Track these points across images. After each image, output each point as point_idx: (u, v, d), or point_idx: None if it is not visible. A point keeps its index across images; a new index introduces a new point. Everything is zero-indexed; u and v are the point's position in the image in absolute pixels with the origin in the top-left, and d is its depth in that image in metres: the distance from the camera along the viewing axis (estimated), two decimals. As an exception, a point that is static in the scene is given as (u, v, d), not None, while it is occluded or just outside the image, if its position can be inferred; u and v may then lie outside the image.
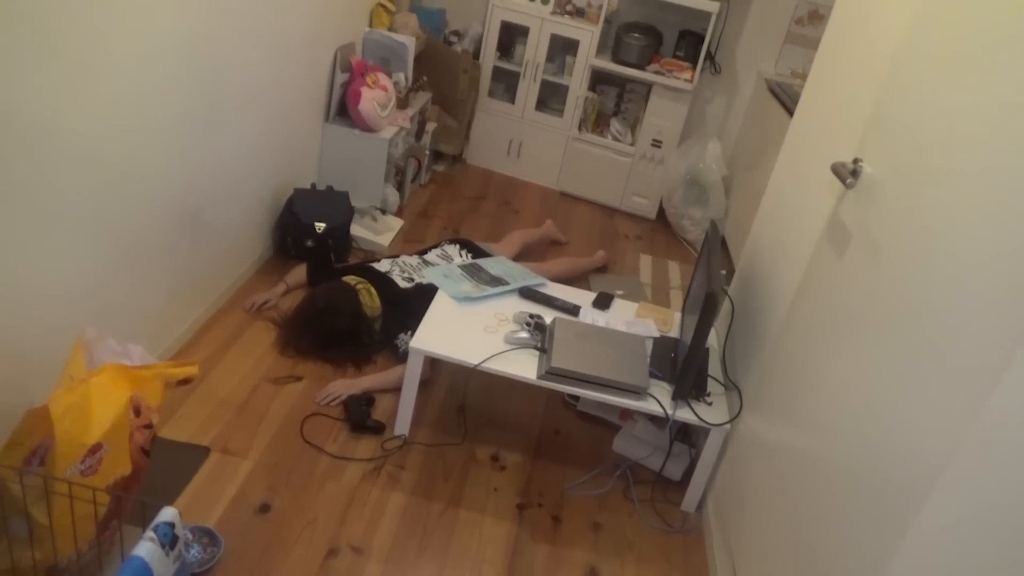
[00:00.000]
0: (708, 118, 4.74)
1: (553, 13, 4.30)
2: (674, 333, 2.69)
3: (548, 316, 2.58)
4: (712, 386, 2.43)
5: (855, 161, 1.78)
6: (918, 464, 1.27)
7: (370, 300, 2.81)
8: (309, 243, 3.14)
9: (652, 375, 2.38)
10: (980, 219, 1.24)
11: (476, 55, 4.50)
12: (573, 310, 2.67)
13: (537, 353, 2.39)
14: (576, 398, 2.81)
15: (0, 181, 1.64)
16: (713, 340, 2.72)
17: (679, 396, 2.32)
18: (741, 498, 2.14)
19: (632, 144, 4.47)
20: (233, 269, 2.96)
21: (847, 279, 1.73)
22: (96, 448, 1.55)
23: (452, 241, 3.32)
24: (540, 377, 2.28)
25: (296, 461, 2.29)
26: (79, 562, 1.62)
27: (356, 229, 3.46)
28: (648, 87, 4.34)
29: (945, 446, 1.21)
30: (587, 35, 4.28)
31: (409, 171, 3.96)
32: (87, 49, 1.80)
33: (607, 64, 4.31)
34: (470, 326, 2.45)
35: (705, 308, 2.12)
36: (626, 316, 2.73)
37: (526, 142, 4.64)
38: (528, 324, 2.47)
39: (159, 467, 2.06)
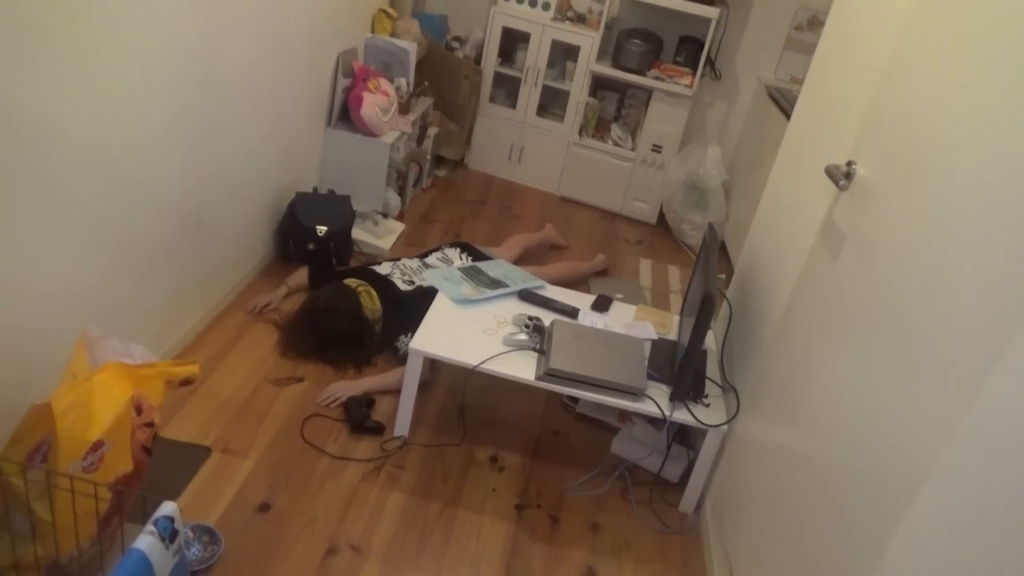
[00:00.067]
0: (708, 123, 4.77)
1: (554, 19, 4.33)
2: (673, 336, 2.71)
3: (547, 318, 2.60)
4: (710, 388, 2.45)
5: (849, 163, 1.80)
6: (908, 462, 1.28)
7: (371, 302, 2.83)
8: (310, 246, 3.17)
9: (650, 377, 2.40)
10: (971, 220, 1.26)
11: (477, 61, 4.53)
12: (572, 312, 2.69)
13: (536, 355, 2.40)
14: (575, 400, 2.83)
15: (4, 183, 1.66)
16: (712, 343, 2.74)
17: (677, 397, 2.34)
18: (738, 499, 2.15)
19: (633, 149, 4.49)
20: (235, 272, 2.99)
21: (841, 281, 1.74)
22: (98, 445, 1.57)
23: (453, 245, 3.34)
24: (538, 378, 2.30)
25: (296, 461, 2.31)
26: (81, 559, 1.64)
27: (357, 233, 3.48)
28: (648, 92, 4.37)
29: (933, 444, 1.22)
30: (588, 41, 4.31)
31: (410, 175, 3.99)
32: (90, 53, 1.83)
33: (608, 70, 4.34)
34: (469, 328, 2.47)
35: (702, 310, 2.13)
36: (625, 319, 2.75)
37: (527, 147, 4.67)
38: (527, 326, 2.49)
39: (160, 466, 2.08)
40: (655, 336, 2.66)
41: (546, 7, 4.34)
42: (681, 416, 2.30)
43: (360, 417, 2.47)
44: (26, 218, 1.76)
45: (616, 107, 4.67)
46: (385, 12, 3.87)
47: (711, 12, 4.06)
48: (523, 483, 2.44)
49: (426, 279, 2.97)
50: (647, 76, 4.28)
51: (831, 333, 1.74)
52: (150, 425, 1.75)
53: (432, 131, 4.25)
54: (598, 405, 2.74)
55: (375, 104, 3.46)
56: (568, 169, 4.63)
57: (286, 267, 3.19)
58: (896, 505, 1.30)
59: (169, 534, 1.33)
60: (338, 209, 3.28)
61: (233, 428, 2.37)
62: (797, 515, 1.70)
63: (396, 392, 2.60)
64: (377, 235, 3.57)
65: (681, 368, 2.28)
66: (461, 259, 3.25)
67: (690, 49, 4.32)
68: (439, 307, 2.56)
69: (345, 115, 3.55)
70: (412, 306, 2.81)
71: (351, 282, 2.87)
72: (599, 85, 4.57)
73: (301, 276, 3.08)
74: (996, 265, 1.17)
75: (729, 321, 2.69)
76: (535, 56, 4.41)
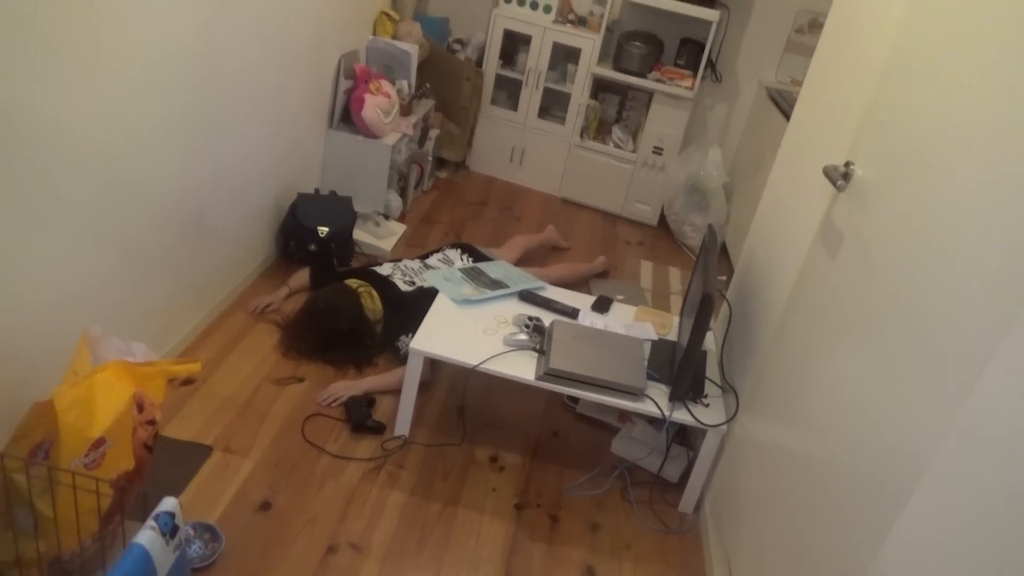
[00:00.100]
0: (709, 125, 4.78)
1: (555, 22, 4.34)
2: (673, 336, 2.71)
3: (547, 319, 2.61)
4: (710, 388, 2.45)
5: (847, 164, 1.81)
6: (906, 461, 1.29)
7: (371, 303, 2.84)
8: (312, 247, 3.18)
9: (650, 377, 2.40)
10: (969, 220, 1.27)
11: (479, 63, 4.55)
12: (572, 313, 2.70)
13: (536, 355, 2.41)
14: (575, 400, 2.84)
15: (5, 184, 1.68)
16: (712, 343, 2.75)
17: (676, 397, 2.35)
18: (737, 499, 2.16)
19: (634, 151, 4.51)
20: (236, 272, 3.00)
21: (839, 281, 1.75)
22: (100, 442, 1.58)
23: (454, 246, 3.35)
24: (538, 378, 2.31)
25: (297, 460, 2.32)
26: (83, 555, 1.65)
27: (359, 234, 3.50)
28: (649, 95, 4.38)
29: (930, 443, 1.23)
30: (589, 43, 4.32)
31: (412, 177, 4.00)
32: (91, 54, 1.84)
33: (608, 72, 4.35)
34: (470, 328, 2.48)
35: (701, 310, 2.14)
36: (625, 319, 2.76)
37: (528, 149, 4.68)
38: (527, 326, 2.50)
39: (162, 465, 2.09)
40: (655, 337, 2.67)
41: (547, 10, 4.35)
42: (680, 416, 2.31)
43: (361, 417, 2.48)
44: (27, 219, 1.77)
45: (617, 109, 4.68)
46: (387, 14, 3.89)
47: (711, 15, 4.08)
48: (523, 483, 2.45)
49: (427, 280, 2.99)
50: (648, 78, 4.29)
51: (829, 333, 1.75)
52: (151, 423, 1.76)
53: (433, 133, 4.27)
54: (598, 405, 2.75)
55: (376, 106, 3.47)
56: (569, 171, 4.65)
57: (287, 268, 3.20)
58: (893, 504, 1.30)
59: (170, 529, 1.34)
60: (339, 210, 3.30)
61: (234, 427, 2.38)
62: (796, 515, 1.71)
63: (397, 392, 2.61)
64: (378, 236, 3.58)
65: (680, 368, 2.29)
66: (462, 260, 3.26)
67: (691, 51, 4.34)
68: (440, 307, 2.57)
69: (347, 117, 3.57)
70: (413, 307, 2.82)
71: (352, 283, 2.89)
72: (600, 87, 4.59)
73: (302, 277, 3.09)
74: (993, 264, 1.17)
75: (729, 322, 2.70)
76: (536, 58, 4.42)
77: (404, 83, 3.77)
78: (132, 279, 2.26)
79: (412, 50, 3.80)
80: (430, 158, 4.29)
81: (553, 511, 2.37)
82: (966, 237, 1.26)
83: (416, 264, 3.15)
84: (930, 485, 1.23)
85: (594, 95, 4.54)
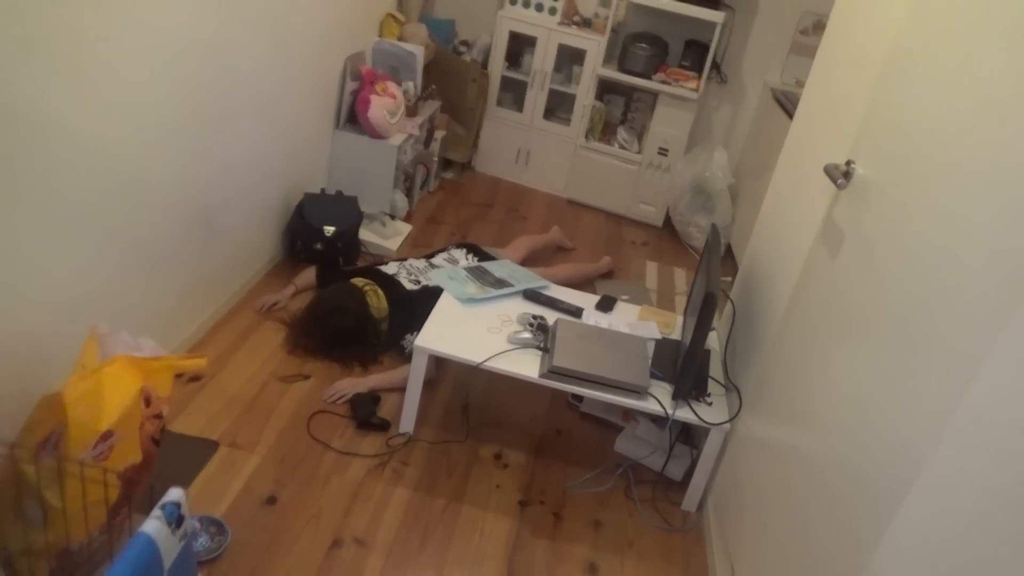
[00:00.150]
0: (714, 127, 4.79)
1: (560, 23, 4.36)
2: (677, 335, 2.73)
3: (551, 318, 2.62)
4: (713, 388, 2.47)
5: (848, 163, 1.82)
6: (907, 459, 1.30)
7: (377, 301, 2.86)
8: (318, 246, 3.21)
9: (653, 375, 2.42)
10: (969, 218, 1.27)
11: (485, 64, 4.57)
12: (576, 312, 2.71)
13: (540, 353, 2.43)
14: (579, 399, 2.85)
15: (16, 184, 1.70)
16: (716, 343, 2.76)
17: (679, 396, 2.36)
18: (740, 497, 2.17)
19: (639, 152, 4.52)
20: (244, 271, 3.03)
21: (840, 279, 1.76)
22: (107, 435, 1.61)
23: (459, 246, 3.37)
24: (542, 376, 2.33)
25: (303, 456, 2.34)
26: (90, 546, 1.67)
27: (365, 233, 3.52)
28: (654, 96, 4.40)
29: (931, 441, 1.24)
30: (594, 45, 4.34)
31: (418, 177, 4.02)
32: (101, 57, 1.87)
33: (614, 73, 4.37)
34: (474, 326, 2.50)
35: (703, 308, 2.16)
36: (629, 319, 2.77)
37: (534, 150, 4.70)
38: (531, 325, 2.51)
39: (169, 459, 2.11)
40: (659, 336, 2.68)
41: (552, 11, 4.37)
42: (683, 414, 2.32)
43: (366, 414, 2.51)
44: (37, 217, 1.80)
45: (622, 110, 4.70)
46: (393, 16, 3.91)
47: (716, 16, 4.09)
48: (527, 480, 2.46)
49: (432, 279, 3.01)
50: (653, 80, 4.30)
51: (830, 331, 1.76)
52: (159, 417, 1.78)
53: (439, 134, 4.29)
54: (602, 404, 2.76)
55: (382, 107, 3.50)
56: (574, 172, 4.66)
57: (294, 267, 3.22)
58: (891, 502, 1.31)
59: (175, 519, 1.36)
60: (345, 210, 3.32)
61: (241, 423, 2.40)
62: (798, 513, 1.71)
63: (401, 390, 2.63)
64: (384, 236, 3.60)
65: (683, 366, 2.30)
66: (467, 260, 3.28)
67: (696, 53, 4.35)
68: (444, 306, 2.59)
69: (353, 117, 3.59)
70: (418, 305, 2.84)
71: (358, 281, 2.91)
72: (605, 89, 4.61)
73: (309, 275, 3.12)
74: (993, 262, 1.18)
75: (732, 321, 2.71)
76: (542, 60, 4.45)
77: (410, 84, 3.80)
78: (140, 277, 2.29)
79: (418, 52, 3.83)
80: (436, 159, 4.31)
81: (557, 508, 2.38)
82: (966, 235, 1.27)
83: (421, 263, 3.17)
84: (927, 483, 1.24)
85: (599, 96, 4.55)
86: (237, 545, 2.00)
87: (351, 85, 3.54)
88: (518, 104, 4.64)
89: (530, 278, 2.88)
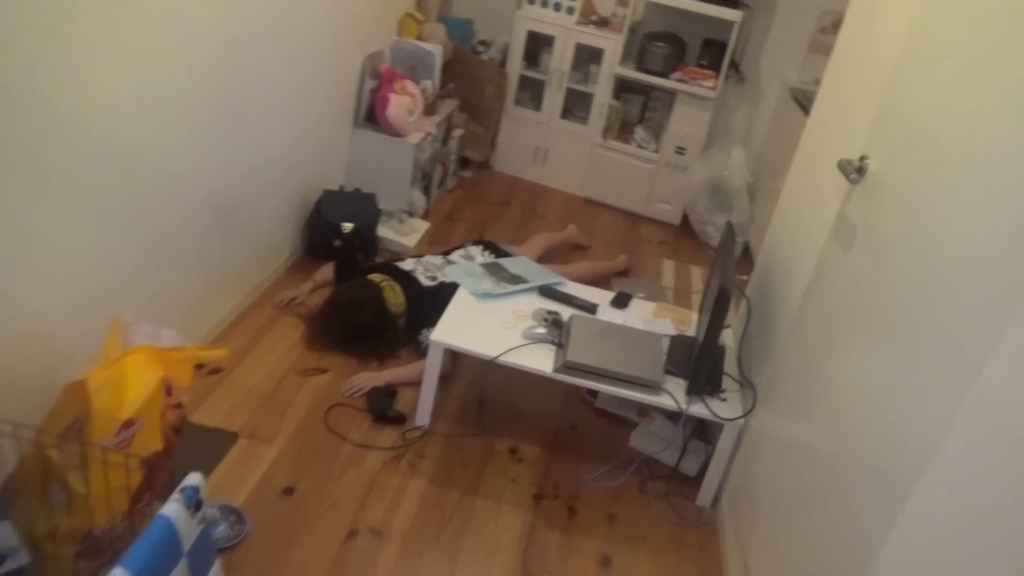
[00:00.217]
0: (732, 126, 4.78)
1: (578, 23, 4.38)
2: (692, 332, 2.73)
3: (566, 313, 2.64)
4: (728, 384, 2.47)
5: (861, 158, 1.83)
6: (913, 452, 1.30)
7: (394, 297, 2.90)
8: (336, 243, 3.25)
9: (667, 371, 2.42)
10: (981, 212, 1.27)
11: (502, 64, 4.59)
12: (591, 308, 2.73)
13: (554, 348, 2.45)
14: (594, 395, 2.86)
15: (46, 180, 1.75)
16: (731, 340, 2.76)
17: (693, 391, 2.37)
18: (753, 492, 2.18)
19: (656, 151, 4.53)
20: (264, 267, 3.07)
21: (853, 274, 1.77)
22: (129, 423, 1.64)
23: (476, 243, 3.39)
24: (556, 370, 2.34)
25: (320, 448, 2.37)
26: (113, 531, 1.71)
27: (383, 230, 3.56)
28: (672, 95, 4.40)
29: (937, 433, 1.24)
30: (611, 44, 4.35)
31: (435, 175, 4.06)
32: (130, 60, 1.91)
33: (631, 72, 4.37)
34: (489, 322, 2.52)
35: (717, 302, 2.17)
36: (644, 315, 2.78)
37: (551, 149, 4.72)
38: (546, 320, 2.53)
39: (190, 450, 2.15)
40: (673, 332, 2.69)
41: (570, 11, 4.39)
42: (697, 410, 2.33)
43: (382, 407, 2.54)
44: (67, 213, 1.84)
45: (640, 109, 4.70)
46: (411, 16, 3.95)
47: (734, 15, 4.09)
48: (541, 474, 2.48)
49: (448, 275, 3.03)
50: (671, 79, 4.31)
51: (843, 326, 1.76)
52: (179, 406, 1.82)
53: (457, 132, 4.32)
54: (617, 400, 2.78)
55: (401, 105, 3.53)
56: (592, 171, 4.68)
57: (313, 263, 3.26)
58: (901, 495, 1.32)
59: (194, 503, 1.39)
60: (363, 207, 3.36)
61: (260, 415, 2.44)
62: (811, 508, 1.72)
63: (418, 384, 2.65)
64: (402, 233, 3.64)
65: (697, 361, 2.31)
66: (483, 256, 3.30)
67: (714, 52, 4.35)
68: (460, 301, 2.62)
69: (371, 116, 3.63)
70: (434, 301, 2.86)
71: (375, 277, 2.94)
72: (623, 88, 4.61)
73: (327, 271, 3.16)
74: (1006, 256, 1.18)
75: (748, 318, 2.71)
76: (559, 59, 4.46)
77: (428, 83, 3.83)
78: (163, 271, 2.33)
79: (436, 51, 3.86)
80: (453, 157, 4.34)
81: (571, 502, 2.40)
82: (978, 230, 1.27)
83: (438, 260, 3.20)
84: (936, 475, 1.24)
85: (617, 95, 4.56)
86: (256, 534, 2.04)
87: (370, 84, 3.58)
88: (536, 103, 4.66)
89: (545, 275, 2.90)
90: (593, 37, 4.37)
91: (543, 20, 4.41)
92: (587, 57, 4.53)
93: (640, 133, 4.56)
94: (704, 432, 2.72)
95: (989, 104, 1.33)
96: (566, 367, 2.33)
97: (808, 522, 1.71)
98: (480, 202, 4.40)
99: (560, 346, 2.44)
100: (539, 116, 4.65)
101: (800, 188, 2.51)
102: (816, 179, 2.32)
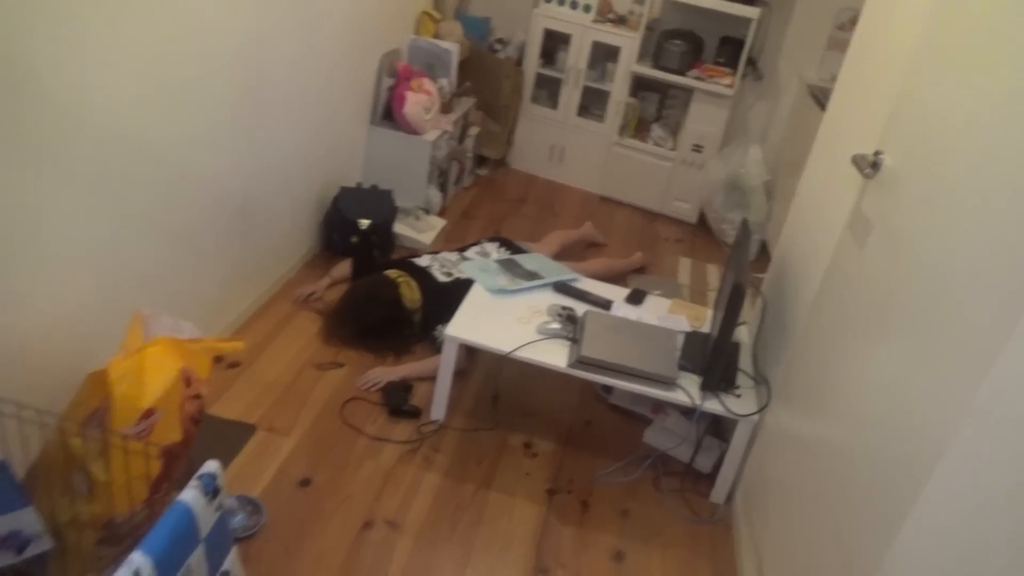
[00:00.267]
0: (750, 123, 4.77)
1: (595, 21, 4.39)
2: (707, 329, 2.73)
3: (581, 310, 2.65)
4: (743, 380, 2.47)
5: (876, 153, 1.82)
6: (927, 444, 1.30)
7: (410, 293, 2.92)
8: (353, 239, 3.27)
9: (682, 368, 2.43)
10: (994, 207, 1.27)
11: (519, 62, 4.61)
12: (605, 304, 2.73)
13: (568, 343, 2.46)
14: (608, 391, 2.87)
15: (69, 175, 1.79)
16: (746, 337, 2.76)
17: (708, 387, 2.37)
18: (767, 488, 2.18)
19: (673, 149, 4.52)
20: (282, 263, 3.11)
21: (867, 269, 1.76)
22: (149, 413, 1.67)
23: (492, 239, 3.41)
24: (570, 365, 2.35)
25: (336, 441, 2.40)
26: (133, 520, 1.74)
27: (400, 227, 3.58)
28: (689, 93, 4.39)
29: (951, 425, 1.24)
30: (628, 42, 4.35)
31: (452, 173, 4.08)
32: (151, 57, 1.95)
33: (648, 70, 4.37)
34: (504, 317, 2.54)
35: (732, 298, 2.17)
36: (659, 312, 2.78)
37: (568, 147, 4.73)
38: (560, 316, 2.55)
39: (208, 441, 2.18)
40: (688, 329, 2.69)
41: (587, 9, 4.40)
42: (711, 406, 2.33)
43: (398, 401, 2.56)
44: (91, 208, 1.88)
45: (657, 107, 4.70)
46: (428, 14, 3.97)
47: (752, 12, 4.08)
48: (555, 469, 2.50)
49: (463, 271, 3.05)
50: (687, 76, 4.30)
51: (858, 322, 1.76)
52: (198, 397, 1.85)
53: (473, 130, 4.34)
54: (632, 396, 2.78)
55: (418, 103, 3.56)
56: (608, 169, 4.68)
57: (330, 259, 3.30)
58: (914, 486, 1.32)
59: (212, 490, 1.42)
60: (380, 203, 3.39)
61: (277, 408, 2.47)
62: (825, 504, 1.72)
63: (433, 379, 2.67)
64: (418, 230, 3.66)
65: (711, 356, 2.31)
66: (499, 253, 3.32)
67: (731, 49, 4.34)
68: (475, 297, 2.63)
69: (389, 113, 3.66)
70: (450, 297, 2.88)
71: (391, 273, 2.96)
72: (639, 85, 4.61)
73: (344, 267, 3.19)
74: (1020, 250, 1.17)
75: (763, 315, 2.71)
76: (576, 57, 4.47)
77: (445, 81, 3.85)
78: (184, 265, 2.37)
79: (453, 49, 3.88)
80: (470, 155, 4.36)
81: (584, 497, 2.41)
82: (991, 224, 1.27)
83: (454, 256, 3.22)
84: (950, 467, 1.24)
85: (633, 93, 4.56)
86: (273, 524, 2.07)
87: (387, 81, 3.60)
88: (552, 101, 4.67)
89: (560, 271, 2.91)
90: (610, 35, 4.37)
91: (560, 18, 4.42)
92: (604, 55, 4.53)
93: (657, 131, 4.56)
94: (719, 429, 2.72)
95: (1004, 99, 1.33)
96: (580, 362, 2.34)
97: (822, 517, 1.71)
98: (496, 199, 4.41)
99: (574, 341, 2.45)
100: (555, 114, 4.66)
101: (816, 184, 2.51)
102: (831, 175, 2.32)
